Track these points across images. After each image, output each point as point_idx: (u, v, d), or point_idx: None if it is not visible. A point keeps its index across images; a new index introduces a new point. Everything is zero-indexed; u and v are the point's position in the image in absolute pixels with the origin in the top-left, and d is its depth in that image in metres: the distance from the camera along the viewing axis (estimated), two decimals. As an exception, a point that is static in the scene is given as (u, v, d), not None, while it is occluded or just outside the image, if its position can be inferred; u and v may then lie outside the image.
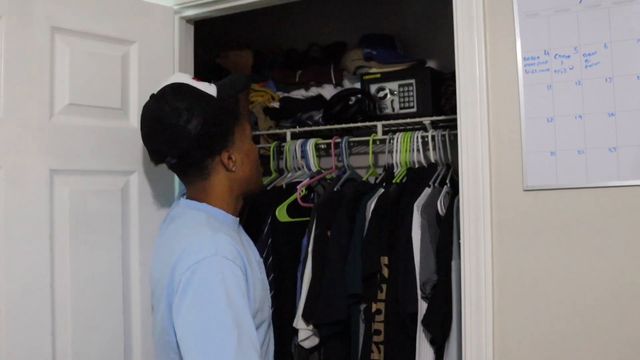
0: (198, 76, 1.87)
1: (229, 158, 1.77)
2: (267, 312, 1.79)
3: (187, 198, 1.82)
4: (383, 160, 2.79)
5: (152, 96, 1.78)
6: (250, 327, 1.57)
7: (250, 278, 1.66)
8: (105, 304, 2.03)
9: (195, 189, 1.80)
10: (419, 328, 2.23)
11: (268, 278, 2.53)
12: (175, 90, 1.75)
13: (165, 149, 1.75)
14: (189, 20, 2.37)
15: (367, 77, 2.79)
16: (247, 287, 1.64)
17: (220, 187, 1.79)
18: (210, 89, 1.77)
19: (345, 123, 2.74)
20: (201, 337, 1.53)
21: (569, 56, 1.77)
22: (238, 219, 1.88)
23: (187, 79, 1.79)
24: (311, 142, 2.78)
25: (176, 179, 2.23)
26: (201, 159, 1.75)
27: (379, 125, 2.69)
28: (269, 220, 2.65)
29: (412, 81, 2.68)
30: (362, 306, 2.40)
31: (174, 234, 1.75)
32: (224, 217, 1.79)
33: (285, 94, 3.06)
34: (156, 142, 1.77)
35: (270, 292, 2.55)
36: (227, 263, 1.58)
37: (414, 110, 2.66)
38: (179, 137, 1.71)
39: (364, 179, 2.73)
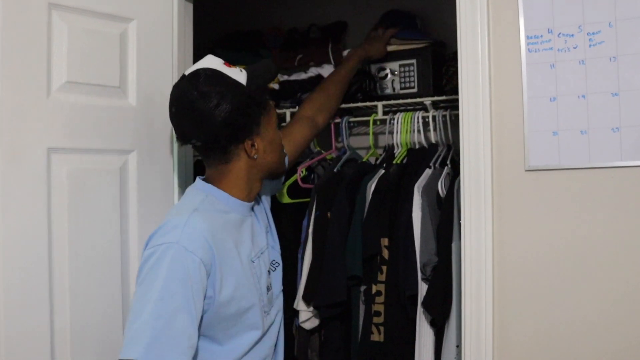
0: (199, 55, 1.86)
1: (252, 145, 1.81)
2: (249, 300, 1.80)
3: (203, 178, 1.87)
4: (383, 140, 2.77)
5: (183, 77, 1.81)
6: (186, 320, 1.61)
7: (216, 269, 1.68)
8: (103, 283, 2.02)
9: (214, 171, 1.84)
10: (419, 310, 2.23)
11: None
12: (207, 76, 1.76)
13: (192, 131, 1.79)
14: (188, -2, 2.35)
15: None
16: (209, 278, 1.67)
17: (239, 172, 1.83)
18: (240, 76, 1.79)
19: (345, 103, 2.71)
20: (131, 315, 1.62)
21: (572, 35, 1.75)
22: (251, 204, 1.90)
23: (220, 64, 1.80)
24: (311, 123, 2.76)
25: (176, 158, 2.22)
26: (225, 145, 1.78)
27: (380, 105, 2.67)
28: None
29: (413, 61, 2.65)
30: (363, 288, 2.40)
31: (169, 211, 1.83)
32: (227, 200, 1.82)
33: (285, 77, 3.04)
34: (183, 124, 1.81)
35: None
36: (183, 254, 1.62)
37: (415, 90, 2.63)
38: (206, 122, 1.74)
39: (364, 160, 2.72)
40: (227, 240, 1.76)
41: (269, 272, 1.95)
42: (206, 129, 1.75)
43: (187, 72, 1.81)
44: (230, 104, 1.73)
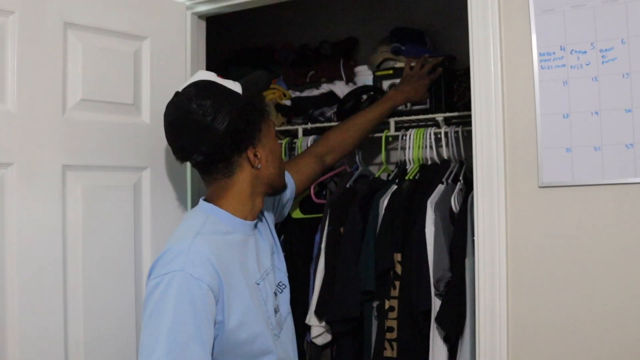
0: (212, 72, 1.87)
1: (255, 155, 1.78)
2: (259, 324, 1.76)
3: (205, 198, 1.83)
4: (395, 156, 2.77)
5: (177, 94, 1.78)
6: (199, 350, 1.57)
7: (224, 294, 1.65)
8: (116, 298, 2.04)
9: (215, 188, 1.81)
10: (433, 325, 2.22)
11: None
12: (201, 88, 1.75)
13: (192, 146, 1.74)
14: (200, 16, 2.37)
15: (379, 73, 2.77)
16: (217, 304, 1.63)
17: (241, 185, 1.79)
18: (235, 86, 1.78)
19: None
20: (144, 350, 1.56)
21: (585, 52, 1.75)
22: (254, 222, 1.86)
23: (212, 76, 1.79)
24: (323, 139, 2.76)
25: (189, 175, 2.23)
26: (229, 156, 1.75)
27: (392, 121, 2.67)
28: (282, 217, 2.65)
29: (425, 77, 2.66)
30: (375, 303, 2.39)
31: (172, 234, 1.77)
32: (230, 220, 1.79)
33: (297, 93, 3.05)
34: (182, 140, 1.77)
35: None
36: (190, 281, 1.57)
37: (427, 106, 2.63)
38: (206, 134, 1.71)
39: (376, 176, 2.72)
40: (233, 263, 1.72)
41: (275, 293, 1.90)
42: (208, 140, 1.71)
43: (180, 89, 1.78)
44: (229, 112, 1.71)
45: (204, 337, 1.58)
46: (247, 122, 1.74)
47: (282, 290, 1.95)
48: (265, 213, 1.97)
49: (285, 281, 1.99)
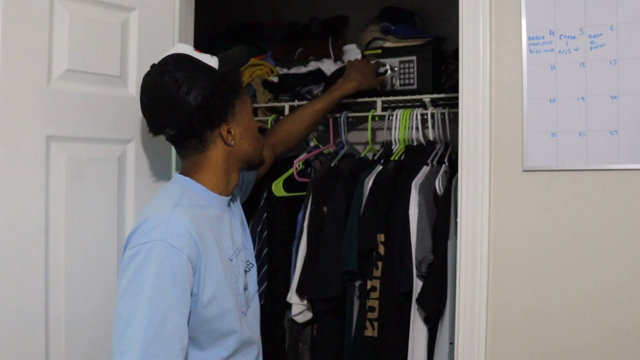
0: (200, 46, 1.86)
1: (228, 132, 1.77)
2: (229, 300, 1.76)
3: (180, 172, 1.83)
4: (381, 136, 2.77)
5: (153, 66, 1.78)
6: (178, 320, 1.57)
7: (201, 267, 1.65)
8: (99, 272, 2.02)
9: (190, 163, 1.80)
10: (414, 306, 2.23)
11: (262, 253, 2.55)
12: (176, 61, 1.74)
13: (165, 119, 1.75)
14: (190, -11, 2.34)
15: (367, 52, 2.76)
16: (194, 275, 1.63)
17: (216, 161, 1.79)
18: (211, 61, 1.77)
19: (345, 98, 2.71)
20: (121, 320, 1.55)
21: (574, 37, 1.75)
22: (228, 198, 1.86)
23: (189, 49, 1.79)
24: (309, 117, 2.75)
25: (174, 149, 2.22)
26: (200, 131, 1.74)
27: (379, 101, 2.67)
28: (265, 195, 2.64)
29: (413, 58, 2.65)
30: (357, 283, 2.40)
31: (147, 206, 1.78)
32: (206, 194, 1.79)
33: (285, 70, 3.04)
34: (155, 113, 1.77)
35: (264, 266, 2.55)
36: (170, 251, 1.57)
37: (414, 87, 2.63)
38: (178, 108, 1.71)
39: (361, 155, 2.72)
40: (209, 236, 1.72)
41: (245, 271, 1.91)
42: (180, 115, 1.71)
43: (156, 62, 1.78)
44: (202, 87, 1.70)
45: (183, 308, 1.59)
46: (220, 98, 1.74)
47: (250, 269, 1.96)
48: (235, 191, 1.96)
49: (253, 260, 2.00)
